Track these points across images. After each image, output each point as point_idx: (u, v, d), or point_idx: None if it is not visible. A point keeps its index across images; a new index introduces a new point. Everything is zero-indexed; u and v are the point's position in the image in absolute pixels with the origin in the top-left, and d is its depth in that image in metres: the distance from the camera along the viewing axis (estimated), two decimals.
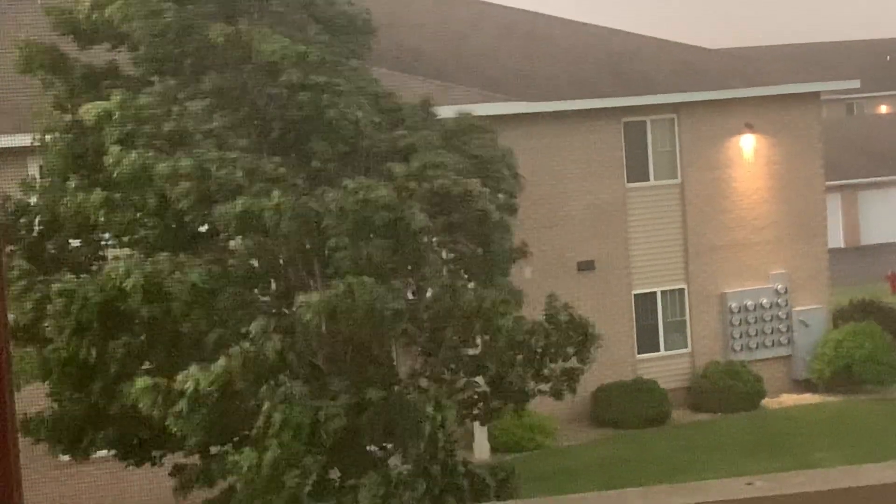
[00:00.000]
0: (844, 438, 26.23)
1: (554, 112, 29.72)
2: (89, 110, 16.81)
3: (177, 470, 18.16)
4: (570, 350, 18.24)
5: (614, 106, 30.30)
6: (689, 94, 31.01)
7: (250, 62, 17.23)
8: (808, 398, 30.50)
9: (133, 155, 16.21)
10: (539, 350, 17.77)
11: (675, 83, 31.33)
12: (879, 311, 32.35)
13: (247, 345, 15.76)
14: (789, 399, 30.58)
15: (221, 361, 15.61)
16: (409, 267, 17.16)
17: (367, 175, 17.03)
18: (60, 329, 16.35)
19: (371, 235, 16.35)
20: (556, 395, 18.48)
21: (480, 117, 20.45)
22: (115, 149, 16.40)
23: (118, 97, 16.75)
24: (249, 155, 16.68)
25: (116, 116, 16.61)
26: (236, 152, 16.60)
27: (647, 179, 30.98)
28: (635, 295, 30.65)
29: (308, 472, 15.86)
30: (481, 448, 26.66)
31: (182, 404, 15.45)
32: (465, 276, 18.09)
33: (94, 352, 16.43)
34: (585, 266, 29.99)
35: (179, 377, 15.64)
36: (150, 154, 16.26)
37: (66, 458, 23.76)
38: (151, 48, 17.62)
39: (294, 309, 16.02)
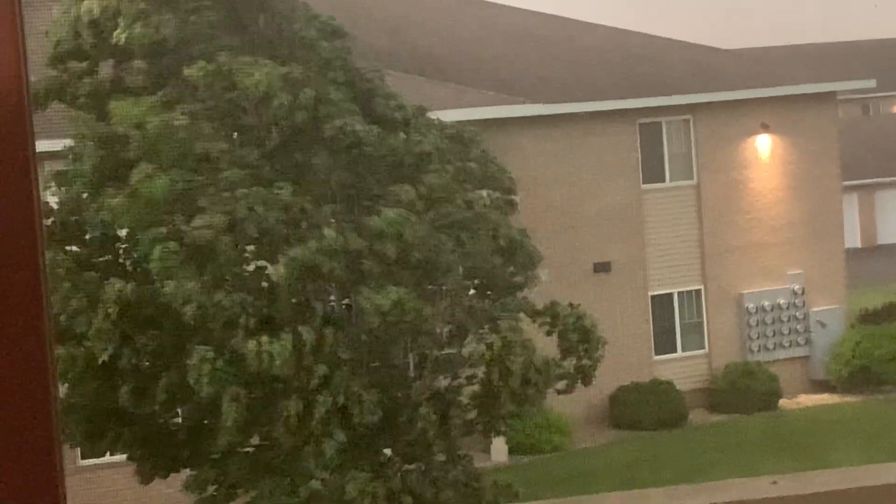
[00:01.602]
0: (863, 439, 26.16)
1: (569, 114, 29.72)
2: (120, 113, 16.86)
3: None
4: (576, 359, 18.46)
5: (629, 107, 30.28)
6: (704, 95, 30.97)
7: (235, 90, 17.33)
8: (826, 398, 30.43)
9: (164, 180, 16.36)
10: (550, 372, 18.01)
11: (691, 84, 31.29)
12: None
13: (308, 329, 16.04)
14: (807, 399, 30.51)
15: (288, 338, 15.79)
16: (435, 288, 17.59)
17: (378, 192, 17.27)
18: (101, 326, 16.43)
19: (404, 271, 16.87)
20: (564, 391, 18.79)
21: (474, 122, 20.77)
22: (144, 167, 16.49)
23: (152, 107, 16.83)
24: (284, 192, 16.84)
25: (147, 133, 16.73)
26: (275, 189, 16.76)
27: (663, 181, 30.95)
28: (652, 296, 30.62)
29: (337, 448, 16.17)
30: (498, 451, 26.64)
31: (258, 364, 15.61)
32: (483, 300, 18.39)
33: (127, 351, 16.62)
34: (602, 268, 29.96)
35: (251, 344, 15.71)
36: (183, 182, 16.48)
37: (85, 462, 23.88)
38: (153, 66, 17.79)
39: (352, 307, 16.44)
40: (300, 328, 16.09)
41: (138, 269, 17.41)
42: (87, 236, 17.91)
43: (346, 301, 17.40)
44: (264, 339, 15.75)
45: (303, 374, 16.02)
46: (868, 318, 32.14)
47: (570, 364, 18.47)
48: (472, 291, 18.49)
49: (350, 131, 16.99)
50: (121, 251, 18.11)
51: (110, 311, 16.27)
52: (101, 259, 17.91)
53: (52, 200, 18.06)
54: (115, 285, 16.53)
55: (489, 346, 17.45)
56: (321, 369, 16.03)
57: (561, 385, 18.57)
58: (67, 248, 17.62)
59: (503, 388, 17.37)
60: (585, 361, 18.55)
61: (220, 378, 15.83)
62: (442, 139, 18.48)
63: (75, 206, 17.58)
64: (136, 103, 16.96)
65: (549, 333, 18.71)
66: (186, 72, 17.07)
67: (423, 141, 17.92)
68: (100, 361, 16.59)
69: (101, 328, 16.36)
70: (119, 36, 17.46)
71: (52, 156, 18.65)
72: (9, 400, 1.58)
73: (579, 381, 18.68)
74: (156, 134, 16.59)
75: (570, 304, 19.05)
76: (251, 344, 15.73)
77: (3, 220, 1.57)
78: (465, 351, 18.07)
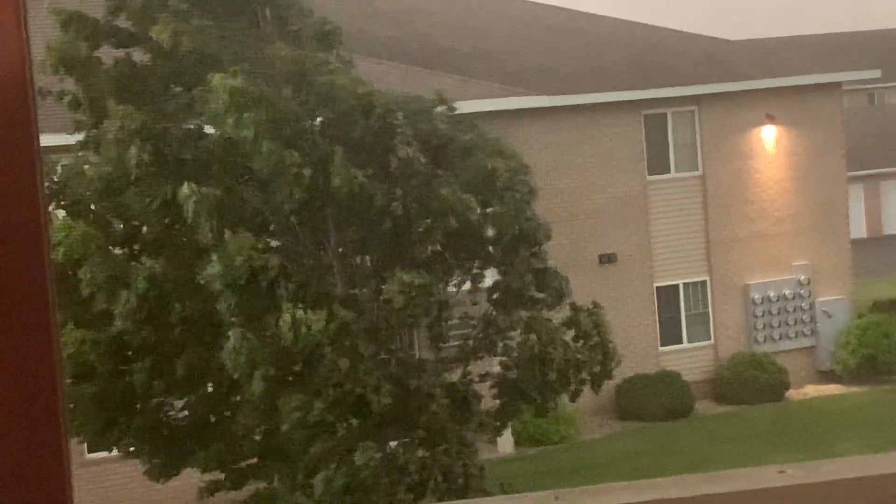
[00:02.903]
0: (870, 429, 26.15)
1: (574, 105, 29.71)
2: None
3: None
4: (590, 369, 18.55)
5: (635, 98, 30.26)
6: (709, 86, 30.94)
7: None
8: (833, 389, 30.42)
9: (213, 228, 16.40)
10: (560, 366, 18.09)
11: (696, 75, 31.27)
12: None
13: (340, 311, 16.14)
14: (814, 390, 30.50)
15: (322, 317, 15.88)
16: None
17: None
18: (126, 306, 16.46)
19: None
20: (573, 397, 18.88)
21: (480, 113, 20.77)
22: (186, 191, 16.46)
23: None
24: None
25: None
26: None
27: (669, 172, 30.94)
28: (657, 287, 30.62)
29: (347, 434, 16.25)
30: (505, 442, 26.67)
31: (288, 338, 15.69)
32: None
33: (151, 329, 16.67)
34: (607, 259, 29.97)
35: (285, 318, 15.77)
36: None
37: (92, 455, 23.92)
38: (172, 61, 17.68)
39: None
40: (334, 307, 16.17)
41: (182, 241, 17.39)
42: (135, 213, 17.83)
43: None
44: (299, 312, 15.81)
45: (332, 353, 16.06)
46: (881, 307, 32.11)
47: (585, 373, 18.59)
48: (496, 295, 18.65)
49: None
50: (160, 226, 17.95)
51: (140, 285, 16.31)
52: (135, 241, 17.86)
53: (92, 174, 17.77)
54: (146, 262, 16.61)
55: (533, 329, 17.71)
56: (344, 363, 16.08)
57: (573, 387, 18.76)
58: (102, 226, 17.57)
59: (539, 375, 17.63)
60: (598, 369, 18.67)
61: (254, 359, 15.89)
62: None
63: (121, 182, 17.35)
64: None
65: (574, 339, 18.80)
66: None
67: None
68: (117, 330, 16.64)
69: (129, 302, 16.39)
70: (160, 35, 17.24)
71: (57, 150, 18.68)
72: (16, 396, 1.58)
73: (588, 388, 18.87)
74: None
75: (591, 311, 19.05)
76: (286, 316, 15.78)
77: (9, 215, 1.57)
78: (501, 340, 18.24)
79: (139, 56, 18.24)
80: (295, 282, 16.21)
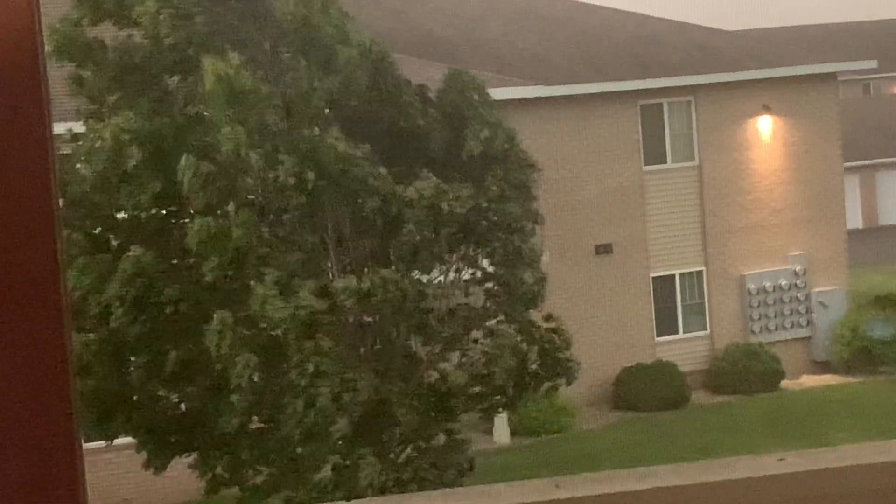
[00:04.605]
0: (865, 419, 26.20)
1: (570, 96, 29.69)
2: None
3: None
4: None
5: (631, 89, 30.26)
6: (705, 77, 30.94)
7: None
8: (828, 379, 30.46)
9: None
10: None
11: (692, 65, 31.26)
12: None
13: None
14: (809, 380, 30.54)
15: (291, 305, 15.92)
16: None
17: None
18: (122, 300, 16.50)
19: None
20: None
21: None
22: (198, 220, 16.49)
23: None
24: None
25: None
26: None
27: (665, 162, 30.95)
28: (653, 277, 30.64)
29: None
30: (501, 433, 26.68)
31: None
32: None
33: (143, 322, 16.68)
34: (603, 249, 29.98)
35: (256, 295, 15.76)
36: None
37: (88, 445, 23.92)
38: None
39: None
40: (301, 293, 16.17)
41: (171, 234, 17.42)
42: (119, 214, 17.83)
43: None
44: (272, 294, 15.87)
45: (309, 344, 16.09)
46: (882, 303, 32.11)
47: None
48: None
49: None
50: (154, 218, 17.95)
51: (127, 273, 16.34)
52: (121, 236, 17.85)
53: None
54: (135, 251, 16.64)
55: (522, 331, 17.78)
56: (314, 362, 16.10)
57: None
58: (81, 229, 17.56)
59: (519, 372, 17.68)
60: (558, 382, 18.75)
61: (238, 343, 15.91)
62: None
63: (99, 183, 17.35)
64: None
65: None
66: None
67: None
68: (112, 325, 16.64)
69: (118, 294, 16.41)
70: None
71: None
72: (29, 397, 1.57)
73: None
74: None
75: (553, 329, 18.91)
76: (257, 292, 15.85)
77: (19, 199, 1.55)
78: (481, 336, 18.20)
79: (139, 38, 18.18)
80: (276, 265, 16.26)
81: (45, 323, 1.57)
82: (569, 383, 18.80)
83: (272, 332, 16.22)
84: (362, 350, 17.60)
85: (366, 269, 16.60)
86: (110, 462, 24.24)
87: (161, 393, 17.76)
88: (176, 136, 16.97)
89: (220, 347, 15.90)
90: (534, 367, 18.15)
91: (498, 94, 28.33)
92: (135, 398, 17.51)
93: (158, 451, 18.04)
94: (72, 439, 1.58)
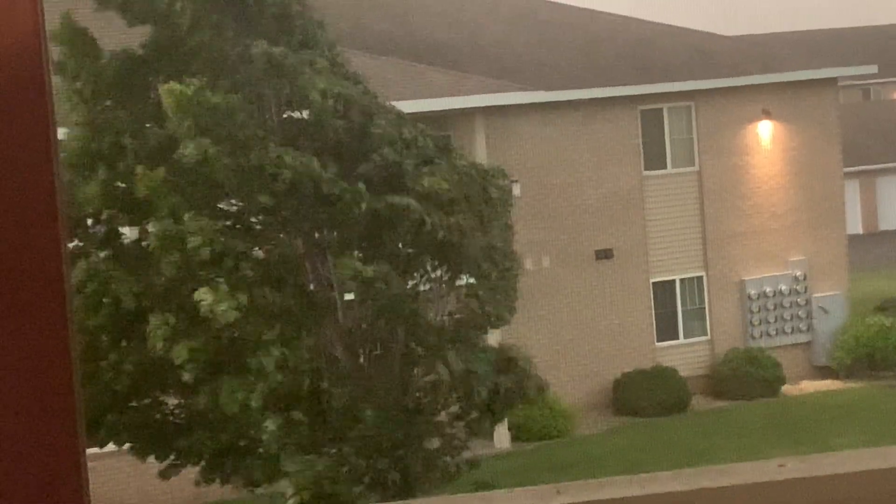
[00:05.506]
0: (866, 424, 26.18)
1: (570, 101, 29.70)
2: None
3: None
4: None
5: (631, 94, 30.27)
6: (706, 82, 30.95)
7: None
8: (829, 384, 30.45)
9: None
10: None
11: (692, 70, 31.28)
12: None
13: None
14: (809, 385, 30.53)
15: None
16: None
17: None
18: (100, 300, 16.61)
19: None
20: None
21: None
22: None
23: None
24: None
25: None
26: None
27: (665, 167, 30.95)
28: (654, 283, 30.64)
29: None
30: (501, 437, 26.68)
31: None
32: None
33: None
34: (603, 254, 29.98)
35: (199, 292, 15.86)
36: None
37: (92, 450, 23.91)
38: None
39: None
40: (255, 290, 16.24)
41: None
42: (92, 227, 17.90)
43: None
44: (221, 289, 15.94)
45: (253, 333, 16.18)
46: (887, 307, 32.13)
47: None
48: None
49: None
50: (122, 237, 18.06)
51: (102, 273, 16.48)
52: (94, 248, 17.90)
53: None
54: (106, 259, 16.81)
55: (506, 351, 17.90)
56: (278, 350, 16.20)
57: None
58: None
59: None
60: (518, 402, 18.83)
61: (173, 335, 16.01)
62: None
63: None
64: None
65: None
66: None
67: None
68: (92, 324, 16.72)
69: (96, 291, 16.52)
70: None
71: None
72: (32, 399, 1.57)
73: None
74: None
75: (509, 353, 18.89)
76: (201, 290, 15.91)
77: (23, 202, 1.56)
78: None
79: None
80: (234, 262, 16.35)
81: (49, 325, 1.57)
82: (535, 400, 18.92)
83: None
84: (362, 359, 17.59)
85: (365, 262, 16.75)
86: (111, 468, 24.24)
87: (145, 396, 17.81)
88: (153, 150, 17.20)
89: (157, 338, 16.05)
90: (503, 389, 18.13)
91: (499, 99, 28.44)
92: (122, 404, 17.54)
93: (145, 448, 18.13)
94: (75, 442, 1.58)
